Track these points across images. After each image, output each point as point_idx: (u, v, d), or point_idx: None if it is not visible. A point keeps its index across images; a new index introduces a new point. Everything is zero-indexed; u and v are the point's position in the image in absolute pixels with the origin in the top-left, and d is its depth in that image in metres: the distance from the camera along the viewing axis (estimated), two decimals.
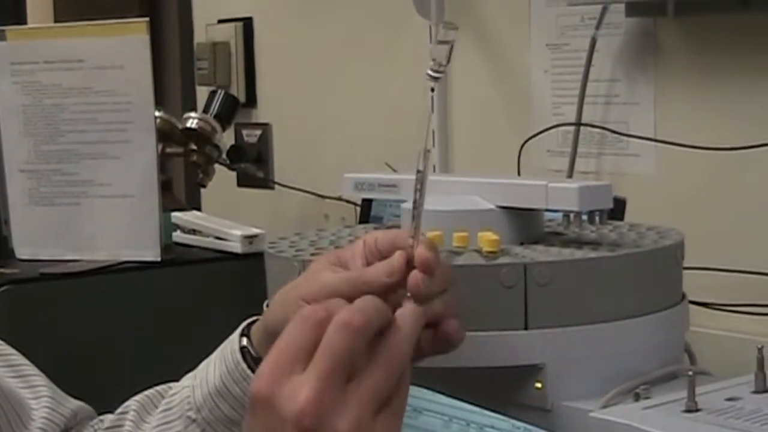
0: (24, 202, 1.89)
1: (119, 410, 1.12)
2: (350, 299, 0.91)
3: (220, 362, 1.04)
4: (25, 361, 1.12)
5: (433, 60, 0.95)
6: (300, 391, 0.77)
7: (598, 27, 1.72)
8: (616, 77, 1.74)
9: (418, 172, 0.91)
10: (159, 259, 1.84)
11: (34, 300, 1.76)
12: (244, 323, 1.06)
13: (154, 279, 1.85)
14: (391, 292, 0.91)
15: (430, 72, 0.99)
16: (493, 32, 1.93)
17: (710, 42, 1.62)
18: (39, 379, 1.11)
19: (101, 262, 1.83)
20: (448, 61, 0.97)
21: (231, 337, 1.05)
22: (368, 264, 0.96)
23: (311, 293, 0.96)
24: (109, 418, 1.12)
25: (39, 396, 1.09)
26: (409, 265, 0.91)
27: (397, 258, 0.92)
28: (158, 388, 1.11)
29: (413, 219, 0.92)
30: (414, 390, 0.95)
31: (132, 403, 1.10)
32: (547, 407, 1.11)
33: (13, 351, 1.12)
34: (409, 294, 0.90)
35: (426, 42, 2.01)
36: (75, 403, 1.13)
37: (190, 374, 1.09)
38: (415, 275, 0.90)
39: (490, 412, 1.06)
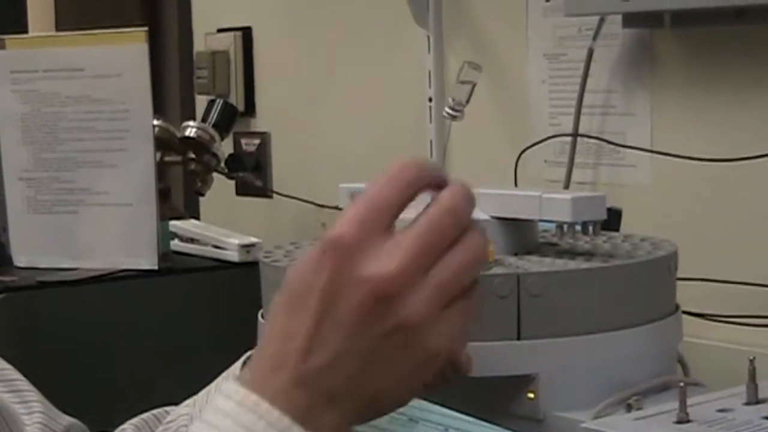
0: (22, 210, 1.89)
1: None
2: None
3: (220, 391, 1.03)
4: (19, 376, 1.12)
5: (453, 99, 0.95)
6: (387, 255, 0.74)
7: (595, 38, 1.73)
8: (613, 88, 1.75)
9: None
10: (156, 267, 1.84)
11: (32, 308, 1.77)
12: (247, 354, 1.06)
13: (151, 287, 1.86)
14: None
15: (448, 110, 0.98)
16: (490, 42, 1.93)
17: (706, 53, 1.62)
18: (32, 394, 1.11)
19: (99, 270, 1.83)
20: (468, 101, 0.96)
21: (232, 367, 1.05)
22: None
23: None
24: None
25: (32, 411, 1.09)
26: None
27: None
28: (155, 412, 1.11)
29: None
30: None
31: (128, 427, 1.10)
32: (540, 417, 1.11)
33: (8, 365, 1.12)
34: None
35: (424, 52, 2.01)
36: (68, 420, 1.12)
37: (189, 401, 1.09)
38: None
39: (485, 423, 1.06)
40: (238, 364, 1.05)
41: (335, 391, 0.75)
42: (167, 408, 1.10)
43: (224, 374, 1.06)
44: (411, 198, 0.77)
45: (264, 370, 0.76)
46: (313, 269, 0.75)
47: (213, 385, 1.06)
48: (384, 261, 0.74)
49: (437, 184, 0.79)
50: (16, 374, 1.11)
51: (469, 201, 0.79)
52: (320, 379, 0.74)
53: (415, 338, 0.74)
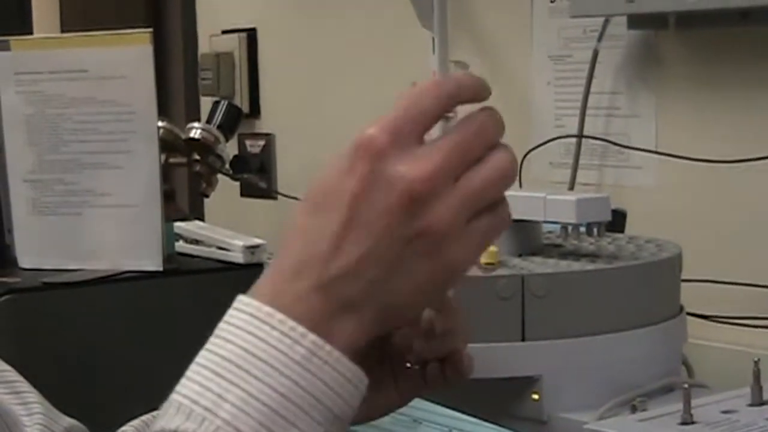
0: (27, 212, 1.89)
1: None
2: None
3: None
4: (19, 378, 1.12)
5: None
6: (421, 158, 0.73)
7: (600, 39, 1.73)
8: (618, 89, 1.75)
9: None
10: (161, 268, 1.84)
11: (37, 309, 1.77)
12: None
13: (156, 289, 1.85)
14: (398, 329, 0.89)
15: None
16: (495, 44, 1.93)
17: (711, 55, 1.62)
18: (32, 396, 1.11)
19: (103, 272, 1.83)
20: None
21: None
22: None
23: None
24: None
25: (32, 413, 1.09)
26: None
27: None
28: (155, 413, 1.11)
29: None
30: (414, 401, 0.95)
31: (128, 429, 1.10)
32: (544, 419, 1.11)
33: (8, 367, 1.12)
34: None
35: (428, 53, 2.01)
36: (68, 421, 1.12)
37: None
38: (428, 314, 0.87)
39: (488, 424, 1.06)
40: None
41: (354, 297, 0.73)
42: (155, 413, 1.10)
43: None
44: (446, 110, 0.76)
45: (283, 278, 0.75)
46: (344, 171, 0.75)
47: None
48: (415, 164, 0.73)
49: (475, 101, 0.78)
50: (15, 376, 1.11)
51: (500, 124, 0.78)
52: (342, 284, 0.73)
53: (438, 247, 0.73)
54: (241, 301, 0.75)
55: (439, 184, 0.73)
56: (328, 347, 0.73)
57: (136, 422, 1.10)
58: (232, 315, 0.75)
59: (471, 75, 0.80)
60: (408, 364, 0.91)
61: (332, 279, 0.73)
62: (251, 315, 0.74)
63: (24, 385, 1.10)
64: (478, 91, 0.79)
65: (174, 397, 0.77)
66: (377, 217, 0.73)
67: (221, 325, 0.75)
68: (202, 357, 0.76)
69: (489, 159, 0.76)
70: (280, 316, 0.73)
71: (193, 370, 0.76)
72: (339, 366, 0.73)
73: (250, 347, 0.73)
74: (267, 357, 0.72)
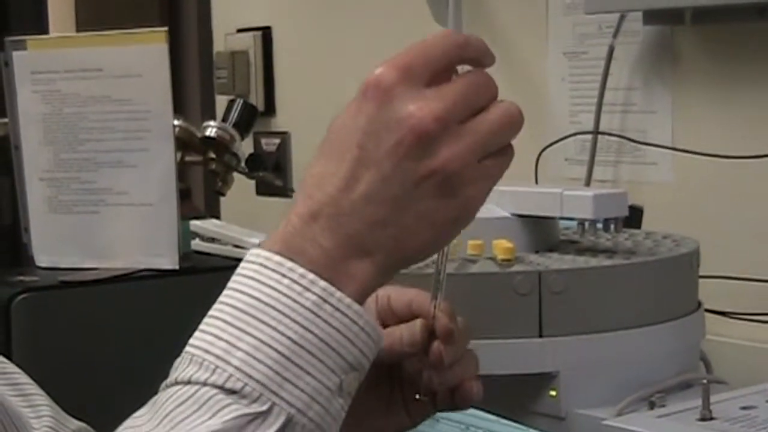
0: (43, 210, 1.89)
1: None
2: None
3: None
4: (28, 380, 1.12)
5: None
6: (430, 98, 0.74)
7: (615, 35, 1.72)
8: (634, 85, 1.74)
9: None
10: (177, 267, 1.84)
11: (54, 308, 1.77)
12: None
13: (172, 287, 1.85)
14: (408, 358, 0.90)
15: None
16: (510, 41, 1.93)
17: (728, 50, 1.61)
18: (41, 398, 1.11)
19: (120, 270, 1.83)
20: None
21: None
22: (381, 322, 0.92)
23: None
24: None
25: (40, 415, 1.09)
26: (430, 332, 0.88)
27: (419, 330, 0.89)
28: None
29: (434, 286, 0.90)
30: None
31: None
32: (562, 415, 1.11)
33: (17, 369, 1.12)
34: (428, 364, 0.88)
35: None
36: (76, 424, 1.12)
37: None
38: (437, 348, 0.87)
39: (506, 421, 1.06)
40: None
41: (366, 238, 0.73)
42: None
43: None
44: (455, 61, 0.77)
45: (297, 223, 0.75)
46: (354, 111, 0.75)
47: None
48: (424, 103, 0.73)
49: (480, 62, 0.80)
50: (24, 378, 1.11)
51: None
52: (352, 223, 0.73)
53: (450, 186, 0.73)
54: (253, 251, 0.76)
55: (448, 124, 0.73)
56: (338, 294, 0.72)
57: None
58: (243, 266, 0.76)
59: (480, 41, 0.81)
60: (417, 396, 0.90)
61: (342, 218, 0.73)
62: (261, 264, 0.74)
63: (32, 388, 1.10)
64: (484, 52, 0.80)
65: (187, 349, 0.78)
66: (386, 155, 0.73)
67: (234, 277, 0.76)
68: (215, 309, 0.76)
69: (497, 106, 0.77)
70: (289, 264, 0.73)
71: (205, 323, 0.76)
72: (350, 313, 0.73)
73: (260, 296, 0.73)
74: (277, 304, 0.73)
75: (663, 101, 1.70)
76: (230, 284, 0.76)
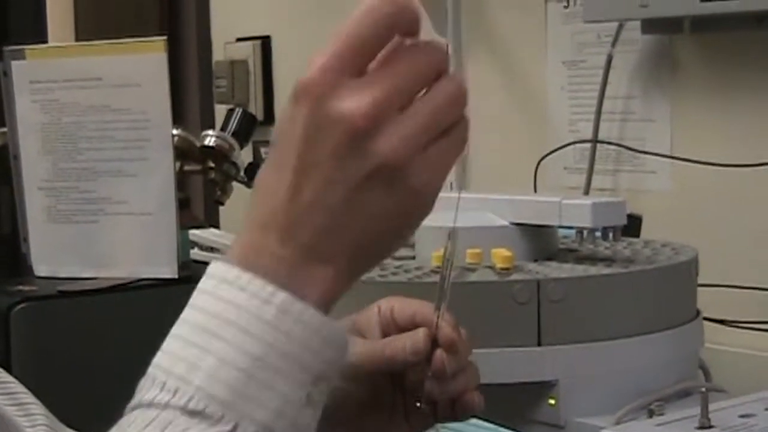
0: (42, 220, 1.89)
1: None
2: (370, 373, 0.90)
3: None
4: (23, 389, 1.12)
5: None
6: (360, 92, 0.71)
7: (614, 44, 1.73)
8: (633, 94, 1.74)
9: (445, 253, 0.88)
10: (176, 276, 1.84)
11: (53, 317, 1.77)
12: None
13: (171, 296, 1.83)
14: (411, 367, 0.90)
15: None
16: (509, 49, 1.93)
17: (726, 59, 1.62)
18: (36, 407, 1.10)
19: (119, 280, 1.83)
20: None
21: None
22: (384, 334, 0.93)
23: None
24: None
25: (35, 424, 1.08)
26: (432, 342, 0.88)
27: (423, 339, 0.89)
28: None
29: (438, 298, 0.90)
30: None
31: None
32: (561, 424, 1.11)
33: (11, 379, 1.12)
34: (430, 373, 0.88)
35: None
36: None
37: None
38: (440, 356, 0.87)
39: (505, 429, 1.06)
40: None
41: (321, 244, 0.71)
42: None
43: None
44: (387, 38, 0.73)
45: (251, 236, 0.73)
46: (290, 120, 0.73)
47: None
48: (357, 98, 0.71)
49: (413, 28, 0.74)
50: (19, 387, 1.11)
51: (443, 54, 0.74)
52: (305, 231, 0.71)
53: (397, 178, 0.71)
54: (212, 265, 0.73)
55: (382, 116, 0.71)
56: (299, 305, 0.70)
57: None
58: (203, 281, 0.73)
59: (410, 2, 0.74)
60: (418, 405, 0.90)
61: (294, 227, 0.71)
62: (220, 279, 0.72)
63: (27, 397, 1.09)
64: (416, 15, 0.74)
65: (150, 369, 0.76)
66: (326, 159, 0.71)
67: (195, 292, 0.74)
68: (176, 326, 0.74)
69: (438, 86, 0.73)
70: (247, 276, 0.71)
71: (166, 342, 0.75)
72: (313, 324, 0.71)
73: (220, 311, 0.71)
74: (238, 320, 0.71)
75: (662, 110, 1.70)
76: (191, 300, 0.74)
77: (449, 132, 0.73)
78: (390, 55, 0.73)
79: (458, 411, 0.91)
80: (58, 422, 1.10)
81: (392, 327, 0.93)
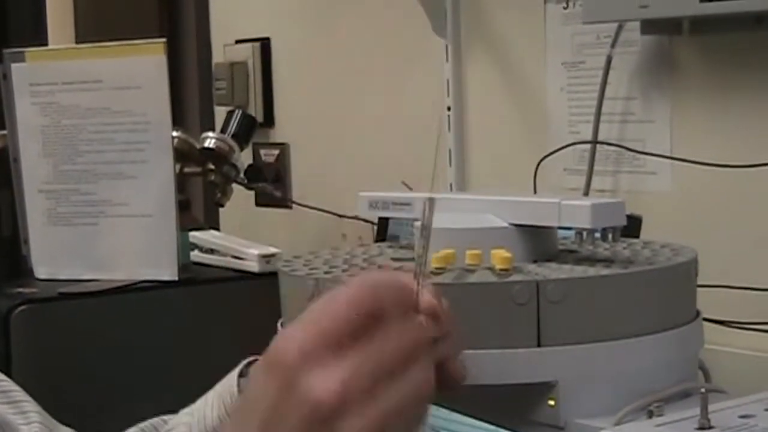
0: (43, 222, 1.90)
1: None
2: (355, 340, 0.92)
3: (219, 402, 1.04)
4: (17, 388, 1.12)
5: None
6: (330, 372, 0.72)
7: (613, 45, 1.73)
8: (632, 95, 1.74)
9: (423, 220, 0.89)
10: (176, 278, 1.84)
11: (53, 319, 1.77)
12: (243, 363, 1.05)
13: (171, 298, 1.86)
14: None
15: None
16: (508, 51, 1.93)
17: (726, 59, 1.61)
18: (30, 405, 1.11)
19: (119, 282, 1.84)
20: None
21: (229, 376, 1.05)
22: None
23: None
24: None
25: (30, 422, 1.09)
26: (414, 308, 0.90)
27: None
28: (153, 421, 1.11)
29: (417, 264, 0.90)
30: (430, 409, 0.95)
31: (134, 430, 1.11)
32: (560, 425, 1.11)
33: (5, 377, 1.12)
34: None
35: (442, 61, 2.01)
36: (66, 430, 1.13)
37: (187, 410, 1.08)
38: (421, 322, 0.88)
39: (504, 431, 1.06)
40: (235, 372, 1.05)
41: None
42: (165, 417, 1.11)
43: (221, 384, 1.06)
44: (365, 318, 0.74)
45: None
46: (257, 387, 0.74)
47: (211, 394, 1.06)
48: (323, 379, 0.72)
49: (401, 302, 0.77)
50: (13, 385, 1.11)
51: (424, 331, 0.78)
52: None
53: None
54: None
55: (348, 400, 0.72)
56: None
57: (132, 430, 1.10)
58: None
59: (396, 281, 0.78)
60: None
61: None
62: None
63: (21, 395, 1.10)
64: (401, 297, 0.77)
65: None
66: None
67: None
68: None
69: (406, 378, 0.75)
70: None
71: None
72: None
73: None
74: None
75: (661, 110, 1.70)
76: None
77: (410, 419, 0.75)
78: (372, 329, 0.74)
79: (442, 380, 0.91)
80: (52, 419, 1.10)
81: None
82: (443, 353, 0.91)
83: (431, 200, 0.86)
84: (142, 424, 1.11)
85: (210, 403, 1.04)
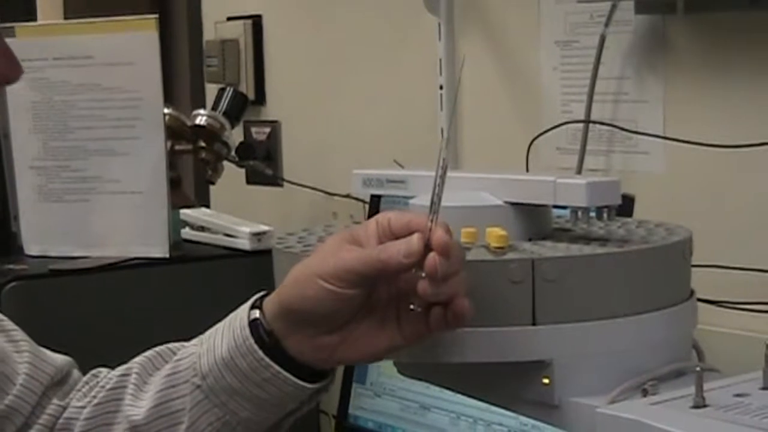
0: (33, 199, 1.89)
1: (121, 371, 1.14)
2: (366, 277, 0.95)
3: (229, 333, 1.05)
4: (5, 318, 1.15)
5: None
6: None
7: (607, 24, 1.72)
8: (626, 75, 1.74)
9: (440, 160, 0.92)
10: (167, 255, 1.84)
11: (44, 296, 1.77)
12: (255, 296, 1.06)
13: (162, 275, 1.86)
14: (405, 272, 0.94)
15: None
16: (502, 30, 1.93)
17: (720, 39, 1.61)
18: (18, 333, 1.14)
19: (110, 259, 1.83)
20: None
21: (240, 309, 1.06)
22: (381, 243, 0.98)
23: (327, 271, 0.97)
24: (109, 378, 1.14)
25: (20, 350, 1.13)
26: (426, 247, 0.94)
27: (416, 240, 0.94)
28: (159, 349, 1.12)
29: (432, 203, 0.93)
30: (422, 387, 0.96)
31: (134, 366, 1.12)
32: (555, 403, 1.11)
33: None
34: (423, 274, 0.93)
35: (435, 39, 2.01)
36: (61, 359, 1.15)
37: (196, 340, 1.10)
38: (433, 257, 0.93)
39: (497, 409, 1.06)
40: (247, 305, 1.05)
41: None
42: (171, 345, 1.11)
43: (231, 316, 1.07)
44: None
45: None
46: None
47: (221, 325, 1.07)
48: None
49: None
50: (8, 322, 1.14)
51: None
52: None
53: None
54: None
55: None
56: None
57: (140, 359, 1.12)
58: None
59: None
60: (411, 307, 0.95)
61: None
62: None
63: (9, 324, 1.13)
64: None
65: None
66: None
67: None
68: None
69: None
70: None
71: None
72: None
73: None
74: None
75: (655, 90, 1.70)
76: None
77: None
78: None
79: (450, 317, 0.96)
80: (38, 348, 1.12)
81: (389, 236, 0.98)
82: (451, 290, 0.93)
83: (448, 139, 0.90)
84: (148, 353, 1.12)
85: (221, 333, 1.05)
